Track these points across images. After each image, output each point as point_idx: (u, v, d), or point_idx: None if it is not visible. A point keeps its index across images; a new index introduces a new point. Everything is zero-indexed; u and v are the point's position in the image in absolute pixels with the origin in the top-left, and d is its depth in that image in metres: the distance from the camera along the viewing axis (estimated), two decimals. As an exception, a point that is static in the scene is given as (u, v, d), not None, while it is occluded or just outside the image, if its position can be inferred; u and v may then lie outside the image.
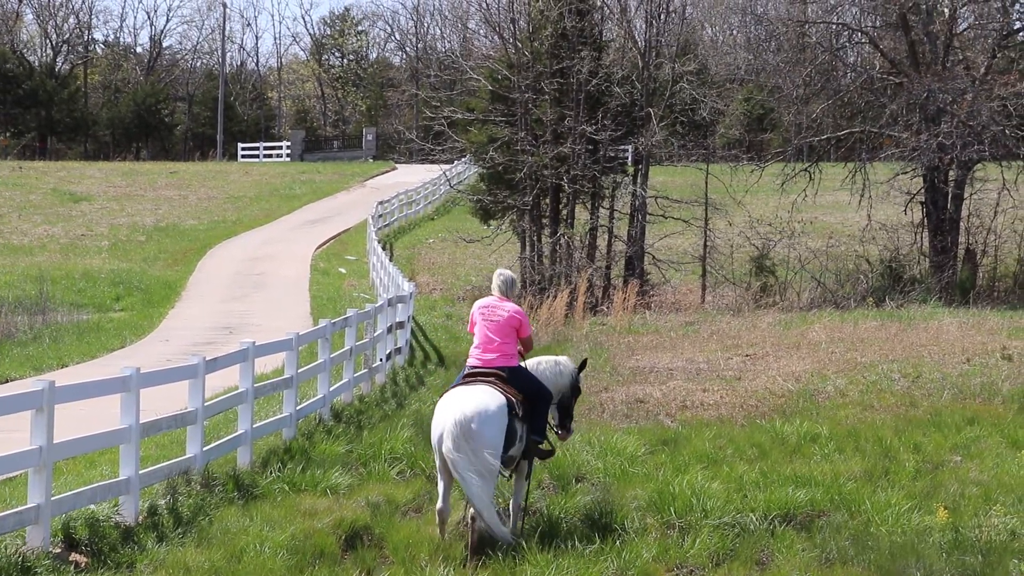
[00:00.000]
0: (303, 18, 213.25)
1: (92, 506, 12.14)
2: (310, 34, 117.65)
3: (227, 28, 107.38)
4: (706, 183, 40.18)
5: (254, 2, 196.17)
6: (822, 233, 46.16)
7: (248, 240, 52.90)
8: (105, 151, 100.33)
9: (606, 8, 42.48)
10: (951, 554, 11.86)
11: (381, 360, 23.14)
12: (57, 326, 32.26)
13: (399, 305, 25.96)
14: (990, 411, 18.72)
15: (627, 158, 44.83)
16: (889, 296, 34.97)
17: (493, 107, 41.95)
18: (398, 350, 25.35)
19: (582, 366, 13.58)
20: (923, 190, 38.22)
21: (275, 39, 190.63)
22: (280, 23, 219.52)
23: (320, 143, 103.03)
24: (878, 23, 41.33)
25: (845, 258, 40.56)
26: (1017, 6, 40.09)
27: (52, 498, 11.24)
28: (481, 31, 64.37)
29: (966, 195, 38.07)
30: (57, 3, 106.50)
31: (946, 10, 39.00)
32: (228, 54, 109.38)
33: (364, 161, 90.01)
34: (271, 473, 14.67)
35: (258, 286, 40.59)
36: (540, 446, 12.76)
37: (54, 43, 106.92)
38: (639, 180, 40.52)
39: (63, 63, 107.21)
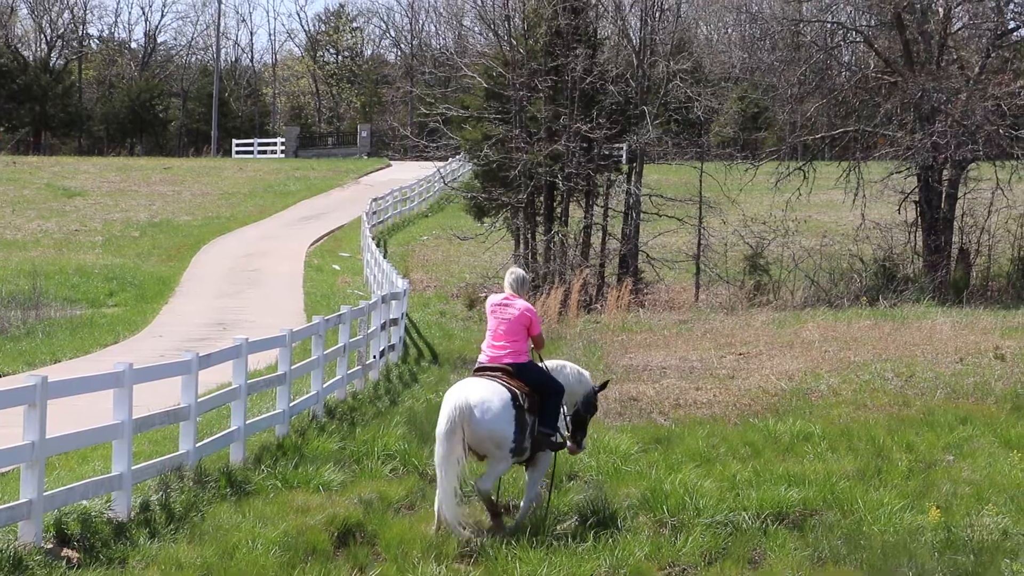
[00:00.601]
0: (298, 14, 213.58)
1: (84, 502, 12.14)
2: (305, 30, 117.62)
3: (222, 24, 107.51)
4: (700, 181, 40.18)
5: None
6: (816, 232, 46.15)
7: (242, 236, 52.86)
8: (99, 146, 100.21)
9: (601, 6, 42.44)
10: (943, 553, 11.88)
11: (375, 357, 23.13)
12: (50, 321, 32.22)
13: (393, 302, 25.95)
14: (983, 411, 18.73)
15: (621, 156, 44.83)
16: (883, 295, 34.98)
17: (488, 104, 41.92)
18: (392, 347, 25.34)
19: (603, 386, 13.81)
20: (917, 189, 38.22)
21: (270, 35, 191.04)
22: (275, 19, 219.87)
23: (315, 140, 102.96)
24: (873, 22, 41.31)
25: (839, 257, 40.55)
26: (1011, 6, 40.10)
27: (44, 493, 11.23)
28: (476, 28, 64.28)
29: (960, 194, 38.07)
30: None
31: (940, 9, 38.99)
32: (223, 50, 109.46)
33: (358, 158, 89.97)
34: (264, 469, 14.67)
35: (252, 282, 40.56)
36: (551, 439, 12.95)
37: (49, 38, 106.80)
38: (633, 178, 40.52)
39: (57, 58, 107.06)
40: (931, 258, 37.27)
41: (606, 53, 42.45)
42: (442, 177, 55.42)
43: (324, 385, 19.01)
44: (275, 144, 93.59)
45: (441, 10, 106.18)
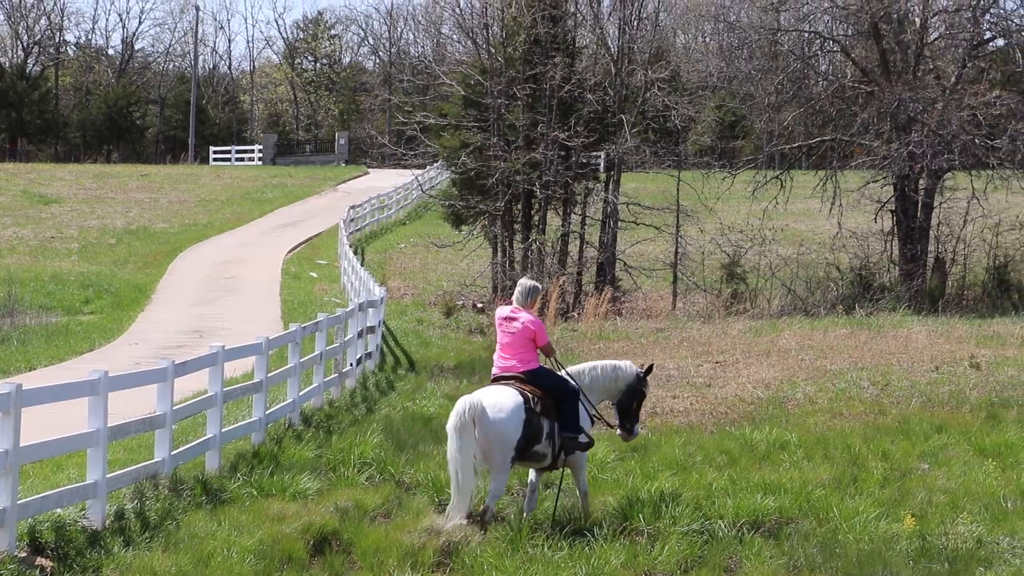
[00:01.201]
0: (276, 22, 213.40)
1: (59, 510, 12.08)
2: (283, 38, 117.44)
3: (200, 31, 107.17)
4: (678, 190, 40.27)
5: (227, 5, 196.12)
6: (793, 241, 46.30)
7: (219, 244, 52.72)
8: (76, 153, 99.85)
9: (579, 15, 42.54)
10: (918, 562, 11.92)
11: (351, 365, 23.09)
12: (25, 328, 32.07)
13: (370, 310, 25.93)
14: (958, 419, 18.80)
15: (599, 164, 44.89)
16: (859, 304, 35.09)
17: (466, 112, 41.96)
18: (368, 355, 25.32)
19: (648, 370, 14.01)
20: (893, 198, 38.38)
21: (248, 42, 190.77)
22: (253, 27, 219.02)
23: (292, 147, 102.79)
24: (850, 32, 41.45)
25: (815, 266, 40.66)
26: (987, 17, 40.28)
27: (18, 502, 11.17)
28: (454, 36, 64.41)
29: (936, 204, 38.23)
30: (29, 4, 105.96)
31: (917, 20, 39.17)
32: (201, 57, 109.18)
33: (336, 165, 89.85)
34: (240, 477, 14.63)
35: (229, 290, 40.46)
36: (577, 440, 13.22)
37: (25, 44, 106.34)
38: (611, 186, 40.59)
39: (34, 64, 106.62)
40: (907, 267, 37.41)
41: (584, 61, 42.53)
42: (420, 185, 55.42)
43: (301, 393, 18.98)
44: (253, 151, 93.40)
45: (419, 18, 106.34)
